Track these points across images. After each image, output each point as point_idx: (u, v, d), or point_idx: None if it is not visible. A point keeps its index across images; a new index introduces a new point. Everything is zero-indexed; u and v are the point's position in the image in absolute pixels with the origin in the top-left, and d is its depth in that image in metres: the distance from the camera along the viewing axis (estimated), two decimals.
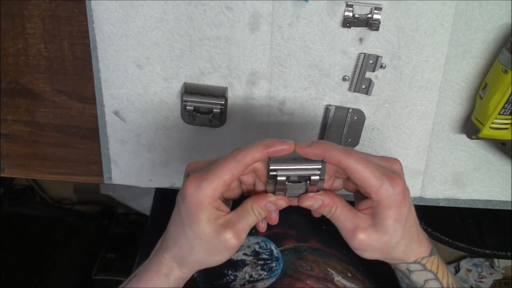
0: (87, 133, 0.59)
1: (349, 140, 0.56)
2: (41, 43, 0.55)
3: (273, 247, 0.54)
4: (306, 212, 0.50)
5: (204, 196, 0.40)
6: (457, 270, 1.58)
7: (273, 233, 0.56)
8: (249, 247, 0.54)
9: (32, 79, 0.56)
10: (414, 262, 0.45)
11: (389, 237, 0.42)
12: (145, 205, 1.38)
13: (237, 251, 0.52)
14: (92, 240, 1.38)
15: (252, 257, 0.52)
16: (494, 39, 0.51)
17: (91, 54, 0.54)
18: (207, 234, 0.41)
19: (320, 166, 0.40)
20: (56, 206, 1.51)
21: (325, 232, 0.57)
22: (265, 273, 0.52)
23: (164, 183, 0.60)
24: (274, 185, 0.41)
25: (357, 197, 0.44)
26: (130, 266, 1.29)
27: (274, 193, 0.42)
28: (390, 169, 0.41)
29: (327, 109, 0.55)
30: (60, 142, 0.60)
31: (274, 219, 0.44)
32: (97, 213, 1.48)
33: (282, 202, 0.42)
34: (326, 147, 0.39)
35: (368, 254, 0.43)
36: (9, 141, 0.60)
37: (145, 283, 0.45)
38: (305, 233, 0.57)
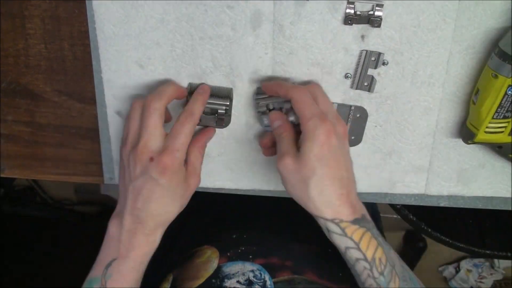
0: (87, 133, 0.59)
1: (352, 137, 0.56)
2: (42, 44, 0.54)
3: (267, 277, 0.54)
4: (307, 242, 0.52)
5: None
6: (457, 271, 1.58)
7: (270, 263, 0.56)
8: (243, 274, 0.54)
9: (32, 79, 0.56)
10: (332, 222, 0.46)
11: (306, 171, 0.45)
12: None
13: (230, 278, 0.53)
14: (92, 240, 1.38)
15: (245, 287, 0.52)
16: (498, 34, 0.50)
17: (91, 54, 0.54)
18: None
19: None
20: (56, 206, 1.50)
21: (323, 261, 0.57)
22: None
23: None
24: None
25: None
26: None
27: None
28: (330, 118, 0.46)
29: None
30: (60, 142, 0.60)
31: None
32: (97, 214, 1.48)
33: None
34: (280, 83, 0.50)
35: (290, 188, 0.47)
36: (9, 142, 0.60)
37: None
38: (302, 264, 0.56)
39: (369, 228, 0.47)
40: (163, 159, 0.46)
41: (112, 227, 0.49)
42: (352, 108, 0.54)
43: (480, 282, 1.55)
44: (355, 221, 0.46)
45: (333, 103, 0.53)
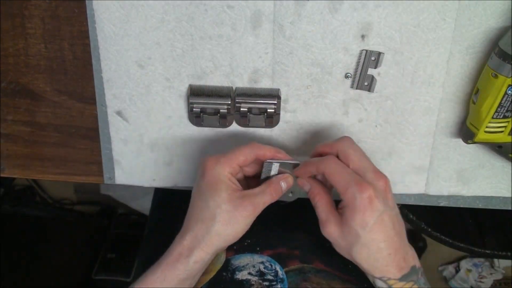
0: (87, 133, 0.59)
1: (290, 194, 0.53)
2: (41, 43, 0.54)
3: (278, 268, 0.54)
4: (311, 231, 0.52)
5: (222, 169, 0.48)
6: (457, 270, 1.58)
7: (278, 253, 0.56)
8: (254, 266, 0.54)
9: (32, 79, 0.56)
10: (380, 279, 0.47)
11: (350, 238, 0.45)
12: (145, 205, 1.38)
13: (241, 270, 0.53)
14: (92, 240, 1.38)
15: (257, 278, 0.52)
16: (498, 34, 0.50)
17: (91, 54, 0.54)
18: (227, 203, 0.47)
19: (276, 102, 0.54)
20: (56, 206, 1.50)
21: (330, 251, 0.58)
22: None
23: (168, 183, 0.60)
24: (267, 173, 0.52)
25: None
26: (130, 266, 1.29)
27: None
28: (368, 179, 0.45)
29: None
30: (60, 142, 0.60)
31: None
32: (97, 213, 1.48)
33: (291, 178, 0.51)
34: (307, 163, 0.49)
35: (338, 249, 0.48)
36: (9, 141, 0.60)
37: (164, 270, 0.47)
38: (309, 253, 0.57)
39: (416, 280, 0.47)
40: (206, 160, 0.48)
41: None
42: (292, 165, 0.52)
43: (480, 281, 1.55)
44: (402, 278, 0.46)
45: (276, 161, 0.51)
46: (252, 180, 0.52)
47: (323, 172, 0.47)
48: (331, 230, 0.47)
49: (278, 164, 0.51)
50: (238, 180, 0.51)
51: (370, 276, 0.48)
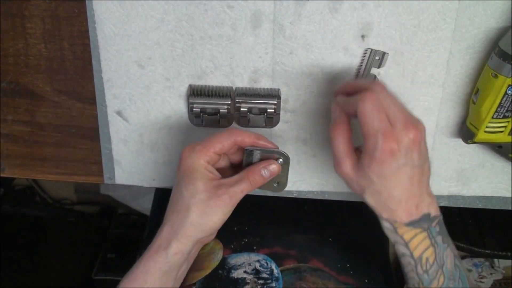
0: (87, 133, 0.59)
1: (274, 184, 0.52)
2: (41, 43, 0.54)
3: (273, 266, 0.54)
4: (308, 231, 0.51)
5: (197, 158, 0.46)
6: None
7: (274, 252, 0.56)
8: (250, 264, 0.54)
9: (32, 79, 0.56)
10: (386, 220, 0.46)
11: (364, 183, 0.44)
12: (145, 205, 1.38)
13: (237, 269, 0.53)
14: (92, 240, 1.38)
15: (252, 276, 0.53)
16: (498, 34, 0.50)
17: (91, 54, 0.54)
18: (201, 192, 0.45)
19: (276, 102, 0.52)
20: (56, 206, 1.50)
21: (327, 251, 0.58)
22: None
23: (168, 183, 0.60)
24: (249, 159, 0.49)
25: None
26: (130, 266, 1.28)
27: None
28: (397, 130, 0.43)
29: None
30: (60, 142, 0.60)
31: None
32: (97, 213, 1.48)
33: (276, 167, 0.49)
34: (350, 84, 0.47)
35: (349, 187, 0.47)
36: (9, 141, 0.60)
37: (145, 263, 0.47)
38: (306, 252, 0.57)
39: (426, 228, 0.46)
40: (183, 150, 0.47)
41: None
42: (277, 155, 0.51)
43: (480, 281, 1.55)
44: (409, 223, 0.46)
45: (257, 149, 0.49)
46: (240, 169, 0.50)
47: (356, 107, 0.44)
48: (345, 170, 0.45)
49: (259, 152, 0.48)
50: (222, 169, 0.49)
51: (377, 214, 0.47)
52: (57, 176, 0.62)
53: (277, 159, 0.49)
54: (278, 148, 0.49)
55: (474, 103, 0.51)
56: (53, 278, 1.24)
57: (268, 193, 0.54)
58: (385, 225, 0.47)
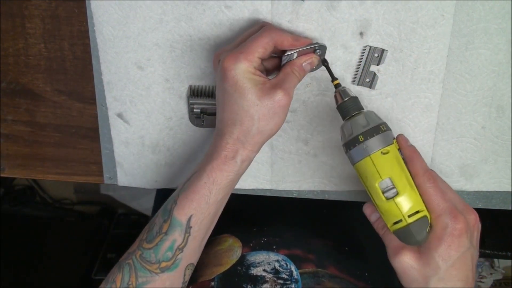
0: (87, 133, 0.59)
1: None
2: (41, 43, 0.54)
3: (293, 268, 0.54)
4: (327, 237, 0.50)
5: (244, 66, 0.44)
6: None
7: (294, 254, 0.56)
8: (269, 263, 0.54)
9: (32, 79, 0.56)
10: None
11: (429, 271, 0.43)
12: (145, 205, 1.38)
13: (256, 267, 0.52)
14: (92, 240, 1.38)
15: (272, 275, 0.52)
16: (497, 29, 0.50)
17: (91, 54, 0.54)
18: (260, 98, 0.44)
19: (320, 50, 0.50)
20: (56, 206, 1.50)
21: (345, 258, 0.57)
22: None
23: (170, 184, 0.60)
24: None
25: None
26: None
27: None
28: (460, 210, 0.43)
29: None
30: (60, 142, 0.60)
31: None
32: (97, 213, 1.48)
33: (315, 59, 0.49)
34: (417, 156, 0.47)
35: (407, 280, 0.45)
36: (9, 141, 0.60)
37: (210, 173, 0.46)
38: (324, 259, 0.56)
39: None
40: (224, 61, 0.45)
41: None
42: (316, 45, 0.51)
43: (480, 281, 1.55)
44: None
45: (295, 51, 0.48)
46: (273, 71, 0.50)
47: (418, 185, 0.44)
48: (406, 258, 0.44)
49: (297, 53, 0.48)
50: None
51: None
52: (57, 176, 0.62)
53: (314, 51, 0.49)
54: (312, 42, 0.49)
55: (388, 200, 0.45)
56: (53, 278, 1.24)
57: (283, 194, 0.54)
58: None
